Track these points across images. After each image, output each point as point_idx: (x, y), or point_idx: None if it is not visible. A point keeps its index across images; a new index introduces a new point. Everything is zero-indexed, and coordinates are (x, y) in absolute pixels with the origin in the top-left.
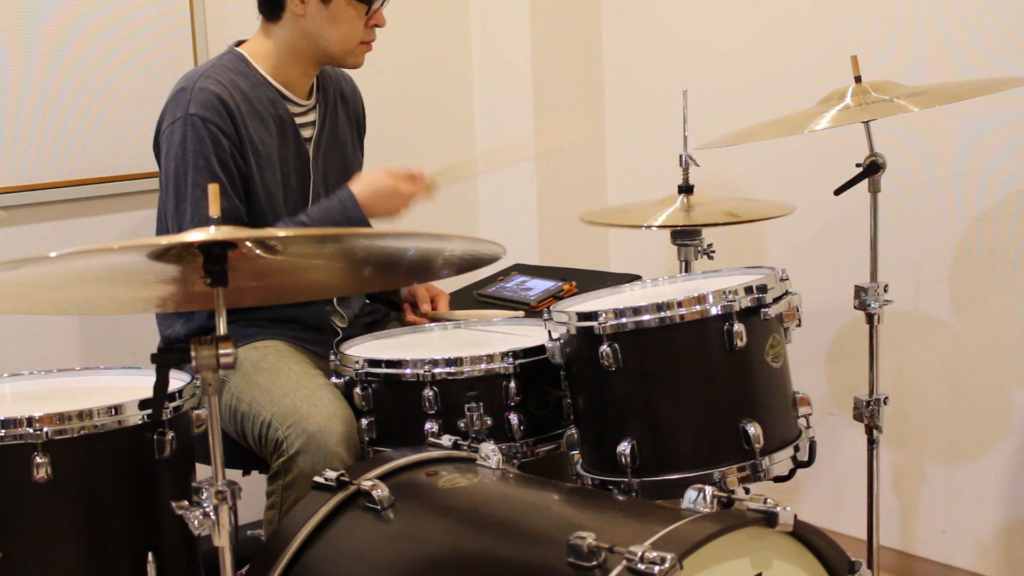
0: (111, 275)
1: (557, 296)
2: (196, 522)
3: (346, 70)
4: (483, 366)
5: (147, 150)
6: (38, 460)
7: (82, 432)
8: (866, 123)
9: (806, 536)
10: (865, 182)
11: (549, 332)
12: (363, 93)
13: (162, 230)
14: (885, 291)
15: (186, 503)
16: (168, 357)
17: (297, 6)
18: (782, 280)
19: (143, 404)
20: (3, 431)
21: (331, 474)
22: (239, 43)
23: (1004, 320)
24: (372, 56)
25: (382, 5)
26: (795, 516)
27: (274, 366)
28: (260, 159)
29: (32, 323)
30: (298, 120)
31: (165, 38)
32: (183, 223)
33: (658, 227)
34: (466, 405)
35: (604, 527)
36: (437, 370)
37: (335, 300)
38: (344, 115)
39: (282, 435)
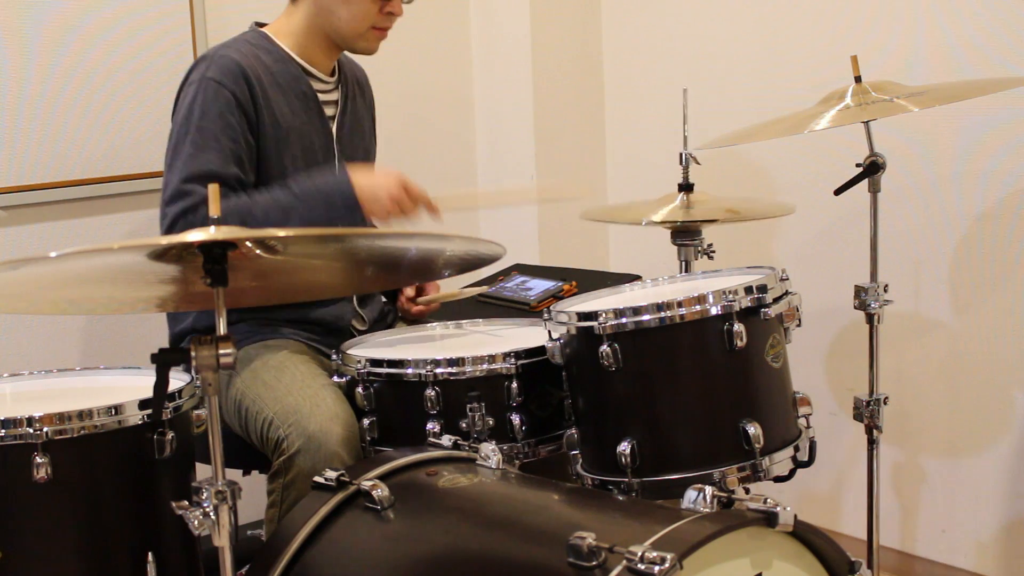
0: (111, 275)
1: (557, 296)
2: (196, 522)
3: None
4: (485, 366)
5: (147, 150)
6: (38, 460)
7: (82, 432)
8: (866, 123)
9: (806, 536)
10: (865, 182)
11: (549, 332)
12: None
13: None
14: (885, 291)
15: (186, 503)
16: (168, 357)
17: None
18: (782, 280)
19: (143, 404)
20: (3, 431)
21: (331, 474)
22: (260, 25)
23: (1004, 320)
24: (371, 57)
25: None
26: (795, 516)
27: (281, 364)
28: (279, 131)
29: (32, 323)
30: (322, 97)
31: (165, 38)
32: (169, 183)
33: (658, 223)
34: (468, 405)
35: (604, 527)
36: (439, 370)
37: (355, 303)
38: (362, 102)
39: (283, 434)
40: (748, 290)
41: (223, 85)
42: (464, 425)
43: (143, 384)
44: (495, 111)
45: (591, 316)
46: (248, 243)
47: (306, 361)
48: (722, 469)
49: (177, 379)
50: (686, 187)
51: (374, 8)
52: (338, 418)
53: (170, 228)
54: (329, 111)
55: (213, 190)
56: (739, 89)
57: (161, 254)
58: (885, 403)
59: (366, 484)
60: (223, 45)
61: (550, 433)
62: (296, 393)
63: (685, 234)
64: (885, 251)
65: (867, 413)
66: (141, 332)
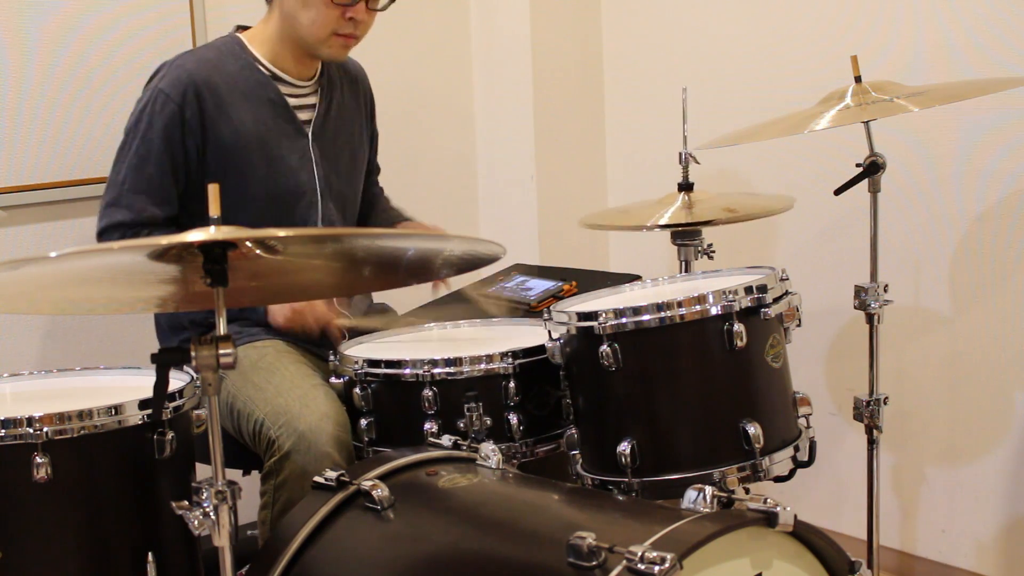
0: (111, 275)
1: (557, 296)
2: (196, 522)
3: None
4: (482, 366)
5: None
6: (38, 460)
7: (82, 432)
8: (866, 123)
9: (806, 536)
10: (865, 182)
11: (549, 332)
12: None
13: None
14: (885, 291)
15: (186, 503)
16: (168, 357)
17: None
18: (782, 280)
19: (143, 404)
20: (3, 431)
21: (331, 474)
22: (242, 29)
23: (1004, 320)
24: (372, 55)
25: (357, 1)
26: (795, 516)
27: (271, 365)
28: (239, 140)
29: (32, 323)
30: (293, 103)
31: (165, 38)
32: (112, 184)
33: (660, 227)
34: (465, 405)
35: (604, 527)
36: (436, 370)
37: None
38: (352, 99)
39: (274, 434)
40: (748, 290)
41: (170, 98)
42: (462, 425)
43: (143, 384)
44: (495, 111)
45: (591, 316)
46: (248, 243)
47: (295, 361)
48: (722, 469)
49: (177, 379)
50: (686, 187)
51: (334, 14)
52: (328, 417)
53: (104, 231)
54: (304, 115)
55: (213, 191)
56: (739, 89)
57: (161, 254)
58: (885, 403)
59: (366, 484)
60: (187, 52)
61: (548, 432)
62: (286, 393)
63: (685, 234)
64: (885, 251)
65: (867, 413)
66: (141, 332)
